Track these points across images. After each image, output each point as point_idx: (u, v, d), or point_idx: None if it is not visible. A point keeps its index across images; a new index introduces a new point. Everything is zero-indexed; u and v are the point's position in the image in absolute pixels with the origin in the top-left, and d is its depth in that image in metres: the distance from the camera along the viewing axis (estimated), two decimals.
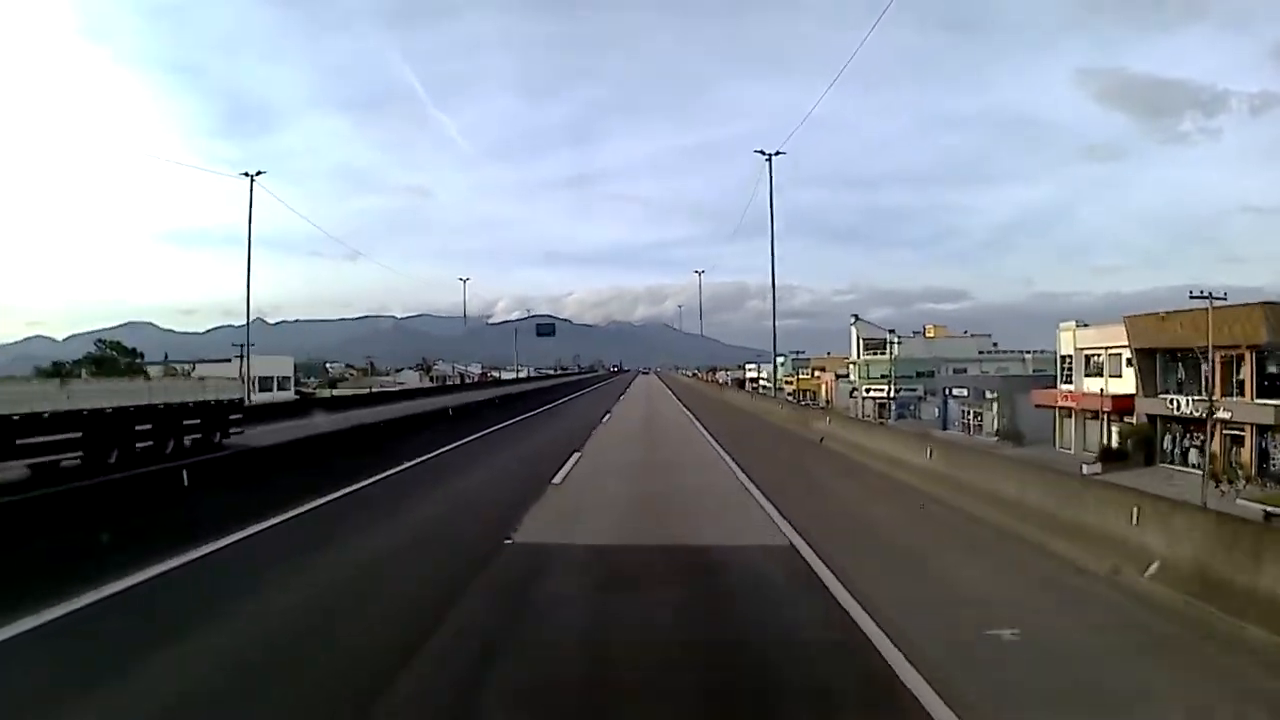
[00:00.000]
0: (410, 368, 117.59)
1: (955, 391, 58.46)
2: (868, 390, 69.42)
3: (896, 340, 70.44)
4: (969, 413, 56.99)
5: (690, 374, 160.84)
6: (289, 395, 74.38)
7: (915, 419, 68.71)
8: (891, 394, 69.27)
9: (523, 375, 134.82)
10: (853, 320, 75.08)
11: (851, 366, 76.13)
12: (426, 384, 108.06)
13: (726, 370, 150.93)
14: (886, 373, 68.84)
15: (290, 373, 76.98)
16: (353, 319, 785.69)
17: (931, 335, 76.46)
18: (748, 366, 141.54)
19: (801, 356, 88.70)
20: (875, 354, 72.02)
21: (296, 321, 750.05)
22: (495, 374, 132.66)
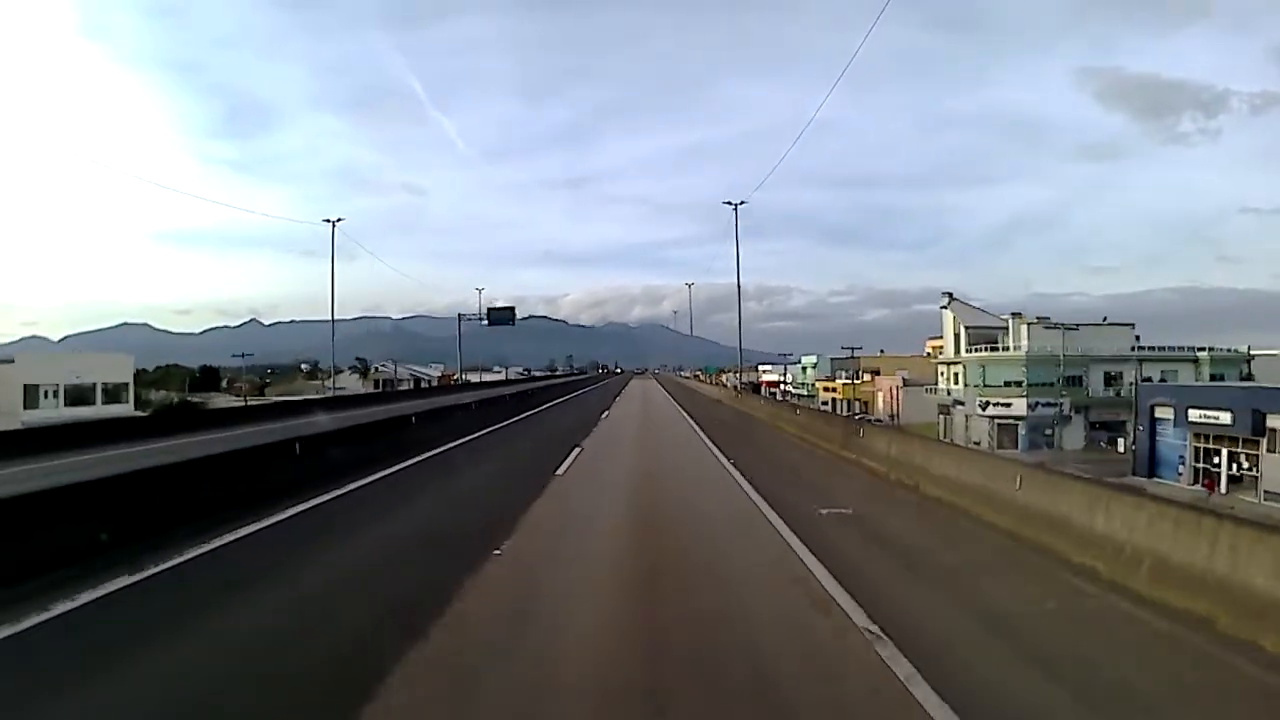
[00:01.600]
0: (348, 369, 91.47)
1: (1183, 414, 32.57)
2: (986, 404, 43.64)
3: (1025, 323, 44.82)
4: (1212, 451, 31.34)
5: (689, 375, 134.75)
6: (125, 409, 48.88)
7: (1054, 449, 43.34)
8: (1010, 410, 43.85)
9: (499, 378, 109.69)
10: (944, 301, 49.35)
11: (943, 369, 50.50)
12: (368, 390, 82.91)
13: (736, 372, 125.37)
14: (1016, 378, 43.28)
15: (128, 378, 51.21)
16: (349, 320, 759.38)
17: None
18: (762, 368, 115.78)
19: (856, 353, 63.15)
20: (986, 350, 46.37)
21: (292, 322, 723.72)
22: (462, 377, 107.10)
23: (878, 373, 64.44)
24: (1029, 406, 42.16)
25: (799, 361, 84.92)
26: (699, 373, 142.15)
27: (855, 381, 60.33)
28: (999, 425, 43.65)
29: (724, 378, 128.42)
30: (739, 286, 31.67)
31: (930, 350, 73.69)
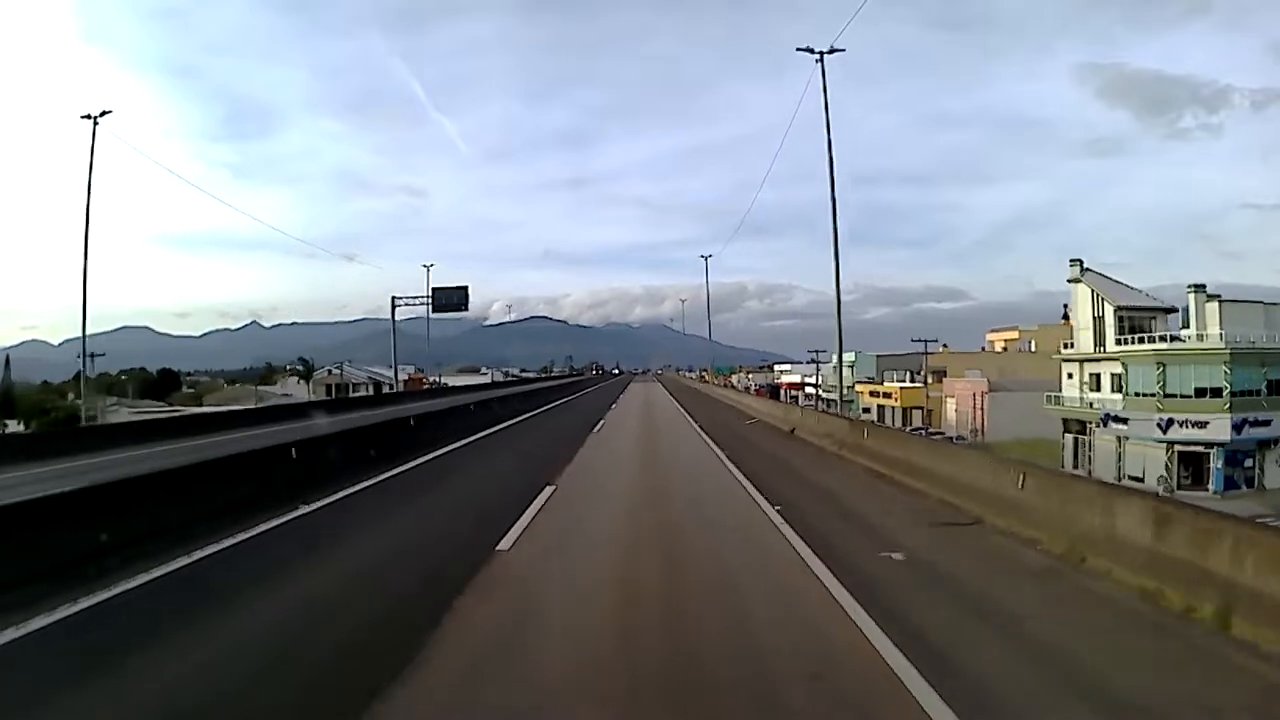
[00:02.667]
0: (289, 372, 76.37)
1: None
2: (1168, 423, 28.33)
3: (1212, 300, 29.74)
4: None
5: (695, 375, 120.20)
6: None
7: (1255, 489, 28.48)
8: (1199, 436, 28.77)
9: (484, 380, 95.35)
10: (1076, 274, 34.04)
11: (1069, 369, 35.51)
12: (315, 397, 68.03)
13: (749, 372, 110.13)
14: (1210, 384, 28.18)
15: None
16: (350, 321, 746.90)
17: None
18: (779, 368, 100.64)
19: (930, 348, 48.03)
20: (1141, 342, 31.23)
21: (293, 324, 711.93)
22: (437, 380, 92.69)
23: (944, 373, 49.49)
24: (1234, 426, 27.12)
25: (829, 360, 69.54)
26: (704, 372, 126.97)
27: (925, 384, 45.13)
28: (1177, 452, 28.65)
29: (733, 379, 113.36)
30: (833, 198, 16.68)
31: (1003, 344, 58.77)
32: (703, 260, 60.20)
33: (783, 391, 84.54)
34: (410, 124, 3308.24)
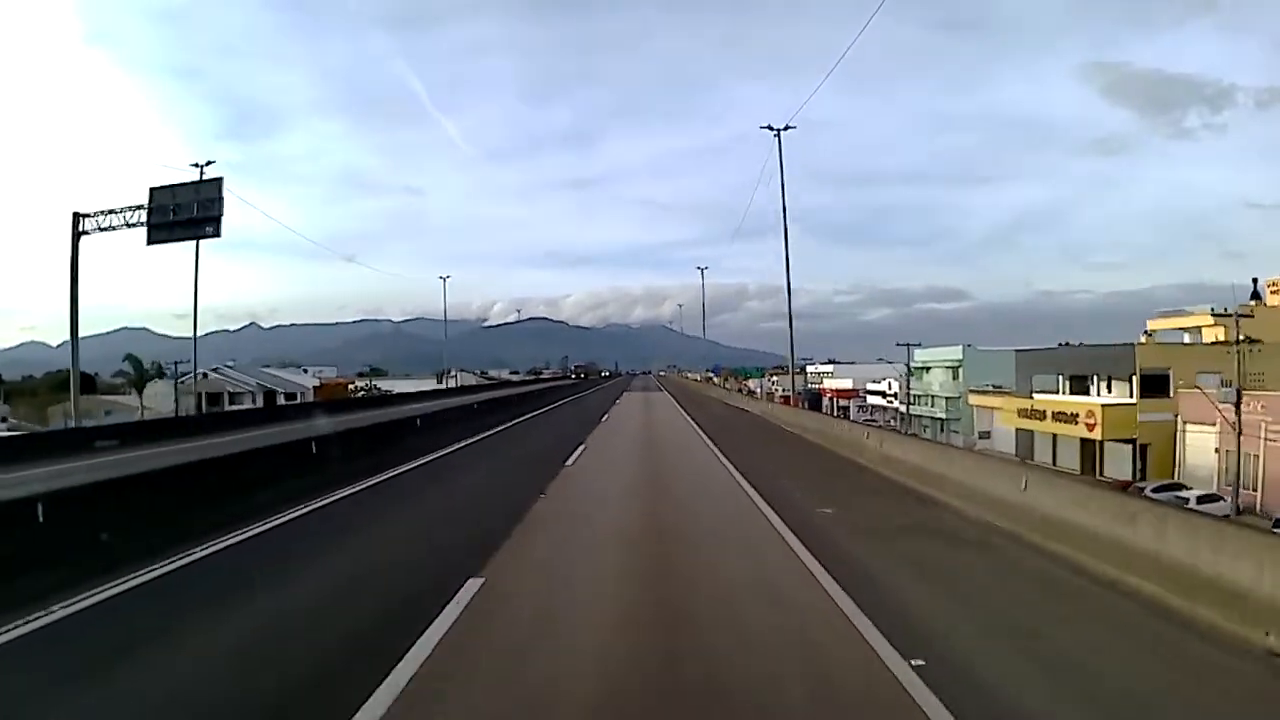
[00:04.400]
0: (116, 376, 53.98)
1: None
2: None
3: None
4: None
5: (700, 378, 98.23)
6: None
7: None
8: None
9: (447, 386, 74.03)
10: None
11: None
12: (170, 413, 45.90)
13: (772, 374, 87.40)
14: None
15: None
16: (349, 323, 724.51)
17: None
18: (814, 370, 78.04)
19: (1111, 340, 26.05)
20: None
21: (292, 325, 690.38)
22: (368, 386, 71.16)
23: (1163, 380, 27.54)
24: None
25: (912, 360, 46.84)
26: (710, 374, 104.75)
27: (1238, 403, 22.79)
28: None
29: (749, 382, 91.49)
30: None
31: (1215, 333, 36.57)
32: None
33: (825, 400, 62.89)
34: (411, 124, 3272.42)
